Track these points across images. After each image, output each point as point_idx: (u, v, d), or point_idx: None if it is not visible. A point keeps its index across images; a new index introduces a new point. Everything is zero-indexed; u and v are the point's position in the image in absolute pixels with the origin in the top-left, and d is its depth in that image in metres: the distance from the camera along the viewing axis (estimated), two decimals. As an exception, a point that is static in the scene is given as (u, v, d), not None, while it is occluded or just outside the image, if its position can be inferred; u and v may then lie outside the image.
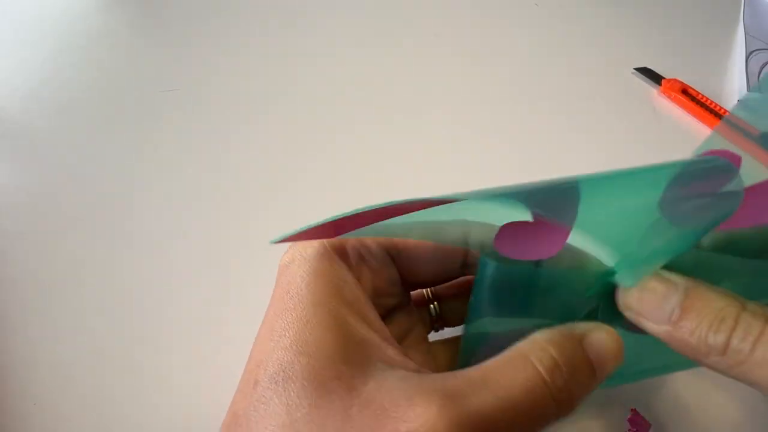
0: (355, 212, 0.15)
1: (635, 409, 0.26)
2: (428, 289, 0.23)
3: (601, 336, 0.17)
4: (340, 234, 0.16)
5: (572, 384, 0.16)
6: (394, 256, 0.19)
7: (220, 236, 0.33)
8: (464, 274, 0.21)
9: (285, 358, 0.15)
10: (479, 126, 0.39)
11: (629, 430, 0.25)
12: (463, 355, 0.20)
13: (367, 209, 0.15)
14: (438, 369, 0.20)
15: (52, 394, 0.28)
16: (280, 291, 0.17)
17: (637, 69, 0.42)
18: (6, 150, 0.39)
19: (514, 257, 0.17)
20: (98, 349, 0.29)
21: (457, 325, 0.23)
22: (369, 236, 0.18)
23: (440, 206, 0.16)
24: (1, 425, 0.27)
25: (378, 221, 0.16)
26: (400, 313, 0.21)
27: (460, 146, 0.38)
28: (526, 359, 0.15)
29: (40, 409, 0.27)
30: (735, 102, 0.38)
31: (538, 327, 0.17)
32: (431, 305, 0.22)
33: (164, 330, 0.30)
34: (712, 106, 0.38)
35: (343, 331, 0.16)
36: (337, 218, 0.15)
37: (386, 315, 0.20)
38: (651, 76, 0.41)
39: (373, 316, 0.18)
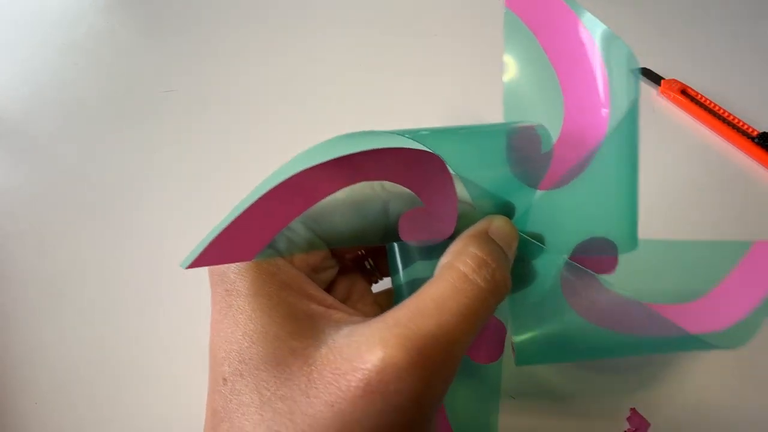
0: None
1: (634, 409, 0.26)
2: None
3: (499, 223, 0.19)
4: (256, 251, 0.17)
5: (498, 267, 0.17)
6: (318, 233, 0.20)
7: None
8: (388, 242, 0.22)
9: (240, 351, 0.16)
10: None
11: (629, 429, 0.25)
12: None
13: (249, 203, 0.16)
14: None
15: (54, 394, 0.28)
16: (218, 290, 0.18)
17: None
18: (7, 150, 0.39)
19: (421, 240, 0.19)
20: (99, 348, 0.29)
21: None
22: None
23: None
24: (2, 424, 0.27)
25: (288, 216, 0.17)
26: (340, 276, 0.22)
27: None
28: (452, 267, 0.17)
29: (42, 408, 0.27)
30: (734, 102, 0.38)
31: None
32: (366, 261, 0.23)
33: (166, 330, 0.30)
34: (711, 106, 0.38)
35: (285, 311, 0.17)
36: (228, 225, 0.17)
37: (330, 283, 0.21)
38: (650, 76, 0.41)
39: (314, 289, 0.19)
